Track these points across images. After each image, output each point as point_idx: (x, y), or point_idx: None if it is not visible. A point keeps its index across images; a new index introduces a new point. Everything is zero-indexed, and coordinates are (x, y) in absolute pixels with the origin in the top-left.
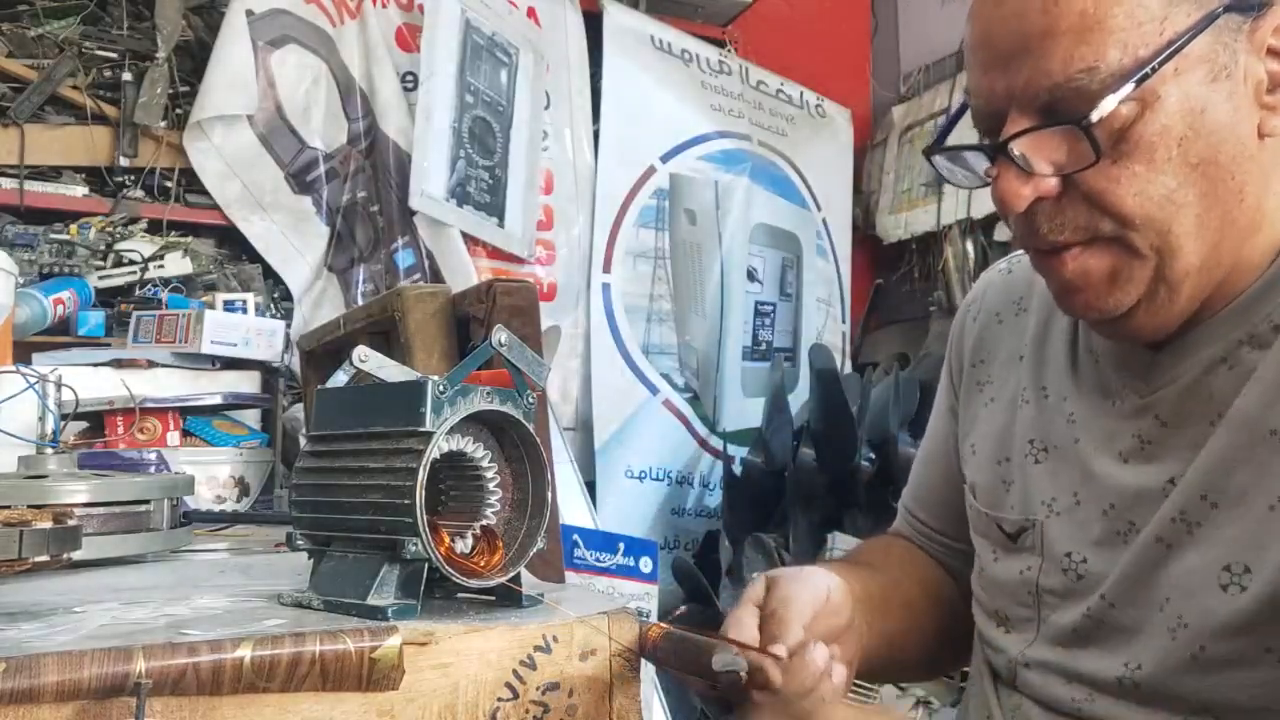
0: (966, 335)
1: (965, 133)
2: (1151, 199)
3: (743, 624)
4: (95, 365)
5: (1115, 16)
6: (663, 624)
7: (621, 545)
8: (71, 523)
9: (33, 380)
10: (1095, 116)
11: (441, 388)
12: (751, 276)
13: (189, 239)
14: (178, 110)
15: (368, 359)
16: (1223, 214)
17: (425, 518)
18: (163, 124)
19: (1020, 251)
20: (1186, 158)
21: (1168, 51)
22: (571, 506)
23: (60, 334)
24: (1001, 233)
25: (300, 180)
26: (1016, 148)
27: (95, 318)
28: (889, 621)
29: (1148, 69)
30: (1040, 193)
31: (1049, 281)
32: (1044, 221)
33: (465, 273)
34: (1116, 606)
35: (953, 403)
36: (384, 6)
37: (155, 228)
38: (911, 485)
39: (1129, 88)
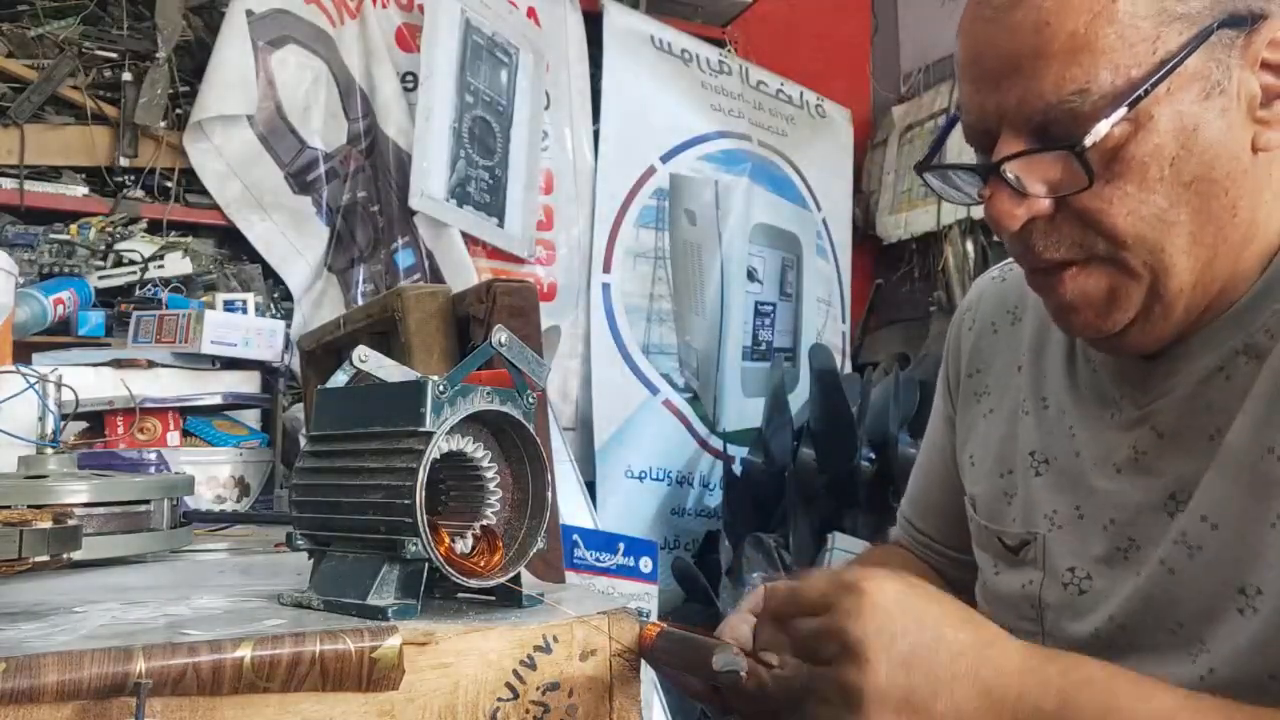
0: (962, 344)
1: (958, 142)
2: (1144, 219)
3: (738, 630)
4: (95, 365)
5: (1107, 37)
6: (658, 623)
7: (621, 545)
8: (71, 523)
9: (33, 380)
10: (1088, 141)
11: (441, 388)
12: (751, 276)
13: (189, 239)
14: (178, 110)
15: (368, 359)
16: (1216, 231)
17: (425, 518)
18: (163, 124)
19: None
20: (1179, 177)
21: (1160, 72)
22: (571, 506)
23: (60, 334)
24: None
25: (300, 180)
26: (1009, 169)
27: (95, 318)
28: None
29: (1140, 91)
30: (1034, 213)
31: (1046, 300)
32: (1039, 240)
33: (465, 273)
34: (1127, 629)
35: (949, 412)
36: (384, 6)
37: (155, 228)
38: (910, 495)
39: (1121, 110)
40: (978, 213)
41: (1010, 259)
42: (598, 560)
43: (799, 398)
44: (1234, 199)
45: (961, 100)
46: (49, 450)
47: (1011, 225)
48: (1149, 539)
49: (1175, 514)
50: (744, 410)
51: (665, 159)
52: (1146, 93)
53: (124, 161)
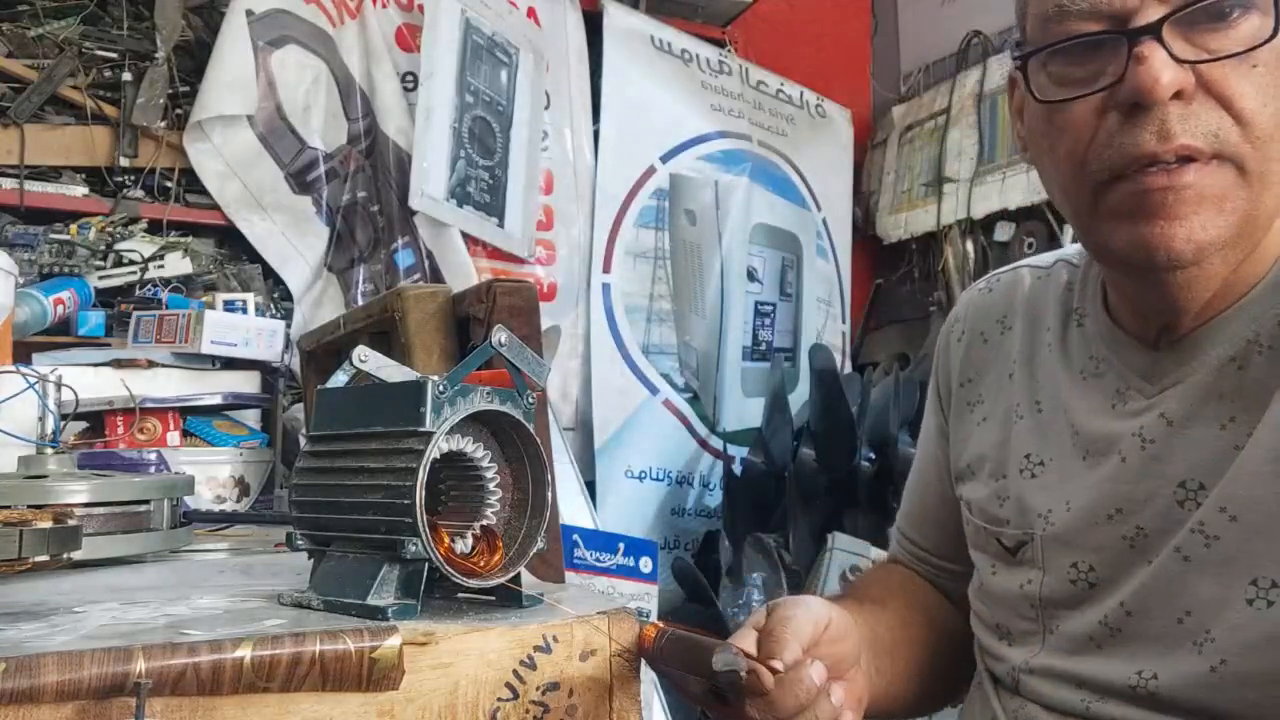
0: (952, 355)
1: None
2: (1275, 116)
3: (742, 643)
4: (95, 365)
5: None
6: (658, 623)
7: (621, 545)
8: (71, 523)
9: (33, 380)
10: None
11: (441, 388)
12: (751, 276)
13: (189, 239)
14: (178, 110)
15: (368, 359)
16: None
17: (425, 518)
18: (162, 124)
19: (999, 270)
20: None
21: None
22: (571, 506)
23: (60, 334)
24: (1001, 232)
25: (300, 180)
26: (1168, 30)
27: (95, 318)
28: (897, 663)
29: None
30: (1181, 84)
31: (1148, 219)
32: (1176, 123)
33: (465, 273)
34: (1135, 616)
35: (941, 424)
36: (384, 6)
37: (155, 228)
38: (905, 510)
39: None
40: (977, 213)
41: (995, 271)
42: (598, 560)
43: (799, 398)
44: None
45: None
46: (49, 450)
47: (1159, 93)
48: (1159, 528)
49: (1185, 502)
50: (744, 410)
51: (665, 159)
52: None
53: (124, 161)
